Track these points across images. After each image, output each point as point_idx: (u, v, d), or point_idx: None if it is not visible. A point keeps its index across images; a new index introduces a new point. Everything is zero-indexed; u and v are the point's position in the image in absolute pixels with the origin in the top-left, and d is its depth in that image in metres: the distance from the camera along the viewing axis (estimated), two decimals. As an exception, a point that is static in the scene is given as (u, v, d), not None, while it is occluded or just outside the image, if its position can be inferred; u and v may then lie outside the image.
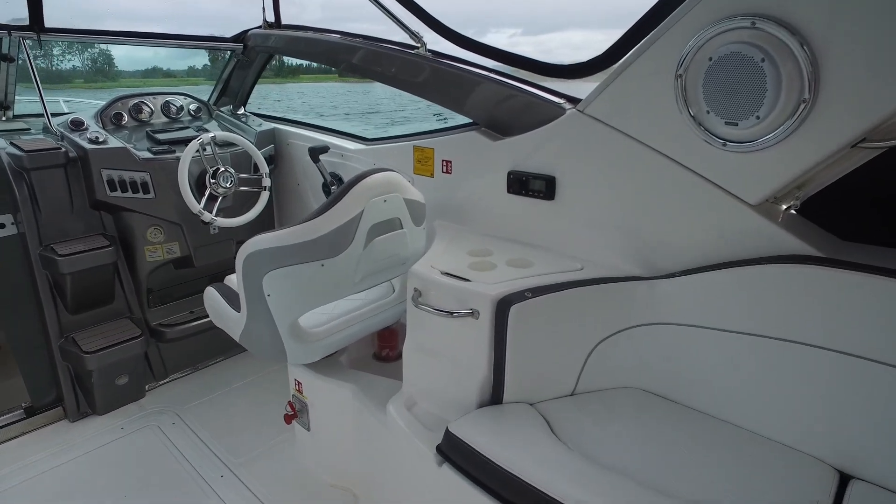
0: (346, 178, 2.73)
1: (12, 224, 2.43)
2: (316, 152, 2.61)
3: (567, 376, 1.72)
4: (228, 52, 3.07)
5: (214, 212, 2.52)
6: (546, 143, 1.88)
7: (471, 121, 2.15)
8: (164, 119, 2.92)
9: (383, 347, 2.44)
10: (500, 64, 2.07)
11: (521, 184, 1.97)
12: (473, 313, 1.61)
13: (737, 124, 1.41)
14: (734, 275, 1.51)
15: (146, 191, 2.52)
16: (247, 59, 3.03)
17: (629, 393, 1.74)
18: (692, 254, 1.64)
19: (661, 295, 1.64)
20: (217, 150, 2.64)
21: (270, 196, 3.17)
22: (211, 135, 2.48)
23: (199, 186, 2.59)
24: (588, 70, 1.83)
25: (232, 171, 2.58)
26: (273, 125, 3.04)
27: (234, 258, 2.84)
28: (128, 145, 2.55)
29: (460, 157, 2.19)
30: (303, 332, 1.89)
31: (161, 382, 2.92)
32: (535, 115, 1.91)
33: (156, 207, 2.56)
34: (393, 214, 1.80)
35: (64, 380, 2.57)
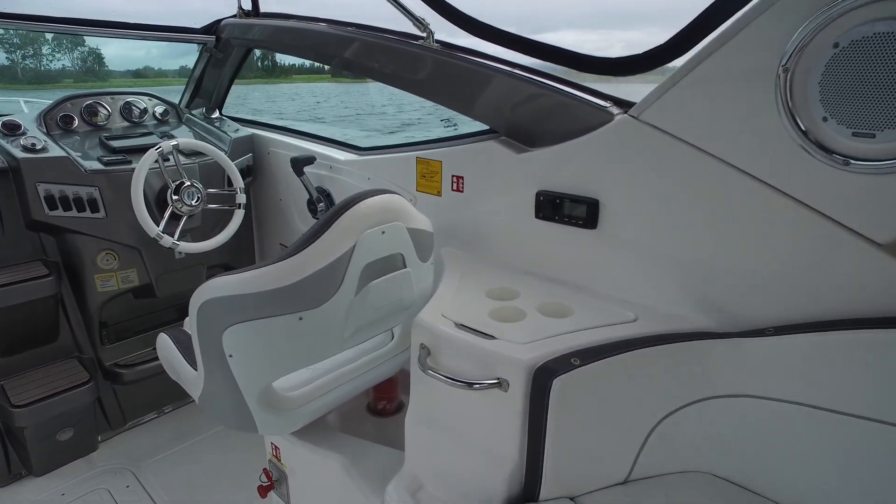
0: (334, 195, 2.32)
1: None
2: (299, 164, 2.20)
3: (621, 461, 1.32)
4: (200, 47, 2.66)
5: (177, 234, 2.11)
6: (587, 156, 1.49)
7: (488, 127, 1.75)
8: (125, 123, 2.50)
9: (380, 399, 2.03)
10: (526, 58, 1.67)
11: (553, 207, 1.57)
12: (501, 384, 1.21)
13: (873, 136, 1.02)
14: (851, 338, 1.12)
15: (94, 209, 2.10)
16: (221, 55, 2.61)
17: (697, 479, 1.34)
18: (788, 306, 1.24)
19: (746, 358, 1.25)
20: (183, 160, 2.23)
21: (249, 214, 2.76)
22: (174, 142, 2.07)
23: (159, 204, 2.17)
24: (645, 64, 1.44)
25: (199, 185, 2.17)
26: (251, 131, 2.63)
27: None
28: (73, 154, 2.13)
29: (475, 172, 1.79)
30: (277, 399, 1.48)
31: (118, 431, 2.50)
32: (572, 120, 1.51)
33: (107, 229, 2.15)
34: (394, 249, 1.40)
35: None
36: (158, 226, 2.04)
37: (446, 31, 1.79)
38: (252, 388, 1.38)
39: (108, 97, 2.46)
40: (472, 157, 1.78)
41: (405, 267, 1.44)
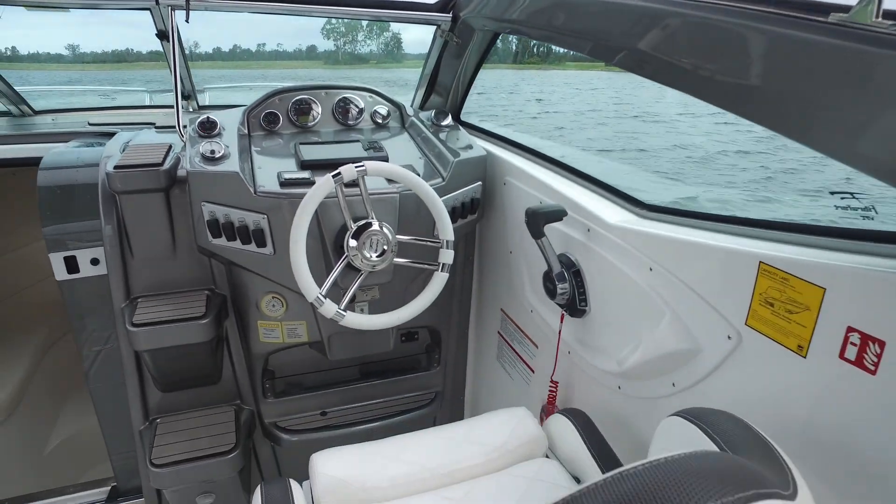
0: (587, 274, 1.44)
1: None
2: (538, 220, 1.38)
3: None
4: (434, 30, 1.99)
5: (349, 296, 1.47)
6: None
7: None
8: (336, 126, 1.97)
9: None
10: None
11: None
12: None
13: None
14: None
15: (261, 242, 1.58)
16: (458, 41, 1.90)
17: None
18: None
19: None
20: (383, 185, 1.59)
21: (469, 260, 2.05)
22: (359, 167, 1.42)
23: (337, 248, 1.57)
24: None
25: (389, 231, 1.49)
26: (486, 148, 1.88)
27: (393, 351, 1.80)
28: (258, 163, 1.66)
29: None
30: None
31: (273, 496, 2.05)
32: None
33: (275, 269, 1.62)
34: None
35: (144, 473, 1.85)
36: (323, 285, 1.42)
37: None
38: None
39: (323, 92, 1.95)
40: None
41: None
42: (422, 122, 2.00)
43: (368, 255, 1.46)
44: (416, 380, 2.11)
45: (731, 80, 0.99)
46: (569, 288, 1.46)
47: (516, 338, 1.88)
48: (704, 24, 1.01)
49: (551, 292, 1.49)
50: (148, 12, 1.87)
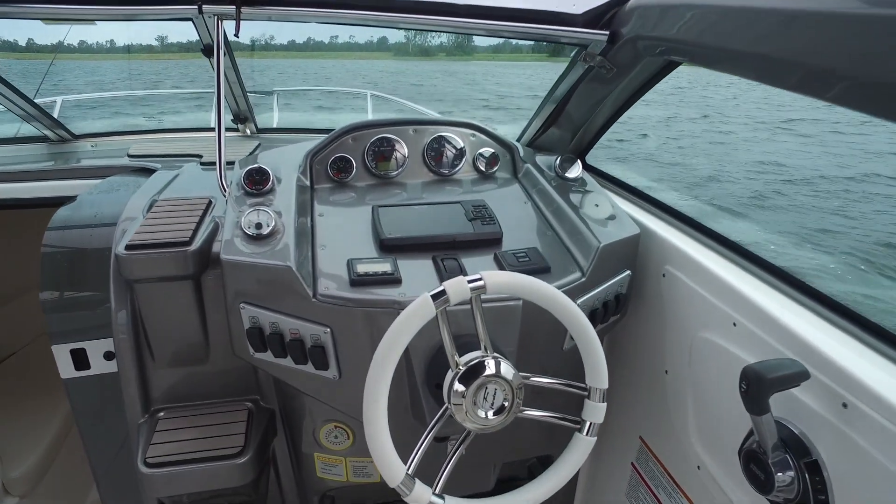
0: (834, 474, 0.88)
1: None
2: (765, 388, 0.84)
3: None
4: (574, 50, 1.44)
5: (449, 469, 0.98)
6: None
7: None
8: (427, 175, 1.48)
9: None
10: None
11: None
12: None
13: None
14: None
15: (321, 364, 1.11)
16: (612, 67, 1.34)
17: None
18: None
19: None
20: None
21: None
22: (475, 282, 0.90)
23: (430, 386, 1.07)
24: None
25: (510, 370, 0.97)
26: (637, 220, 1.33)
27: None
28: (322, 253, 1.18)
29: None
30: None
31: None
32: None
33: (341, 396, 1.15)
34: None
35: None
36: (409, 458, 0.93)
37: None
38: None
39: (411, 129, 1.46)
40: None
41: None
42: (540, 170, 1.47)
43: (482, 414, 0.95)
44: None
45: None
46: (796, 483, 0.91)
47: (664, 487, 1.34)
48: None
49: (760, 483, 0.94)
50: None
